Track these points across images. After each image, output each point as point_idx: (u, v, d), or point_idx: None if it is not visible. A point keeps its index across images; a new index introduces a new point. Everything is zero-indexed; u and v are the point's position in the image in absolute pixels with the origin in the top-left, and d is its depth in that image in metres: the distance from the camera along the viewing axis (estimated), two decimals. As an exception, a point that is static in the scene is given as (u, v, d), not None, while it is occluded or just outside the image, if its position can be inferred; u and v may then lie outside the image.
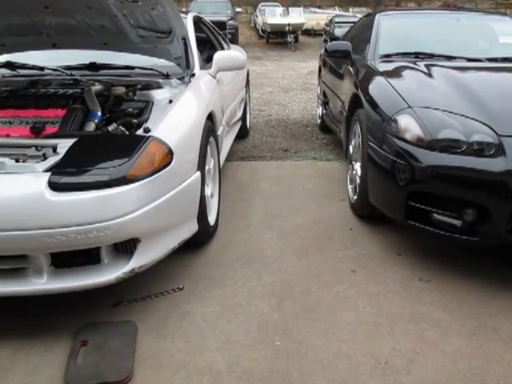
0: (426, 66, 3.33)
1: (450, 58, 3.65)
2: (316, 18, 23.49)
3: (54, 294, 2.06)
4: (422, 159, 2.51)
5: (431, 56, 3.69)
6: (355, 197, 3.25)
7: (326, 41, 19.19)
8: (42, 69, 3.15)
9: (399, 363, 1.93)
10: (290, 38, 18.94)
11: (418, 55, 3.70)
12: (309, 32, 22.54)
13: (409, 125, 2.64)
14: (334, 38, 14.69)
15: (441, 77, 3.11)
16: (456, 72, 3.21)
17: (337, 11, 27.00)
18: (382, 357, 1.96)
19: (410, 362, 1.94)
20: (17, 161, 2.04)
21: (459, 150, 2.46)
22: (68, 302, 2.26)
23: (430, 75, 3.15)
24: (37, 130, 2.36)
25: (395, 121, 2.72)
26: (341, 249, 2.83)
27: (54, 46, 3.14)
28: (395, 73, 3.32)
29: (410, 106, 2.74)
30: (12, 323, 2.16)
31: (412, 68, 3.35)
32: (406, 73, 3.31)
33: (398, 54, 3.74)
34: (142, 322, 2.16)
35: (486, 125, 2.52)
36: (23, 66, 3.16)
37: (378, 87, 3.20)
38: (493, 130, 2.49)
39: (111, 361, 1.90)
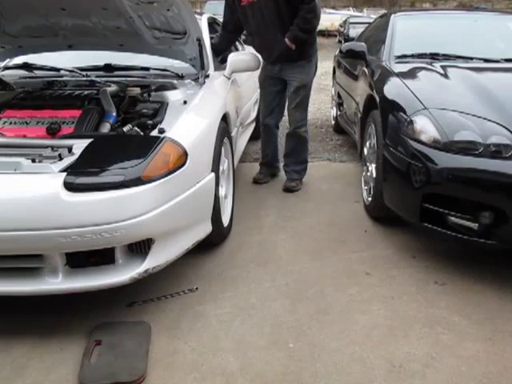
0: (442, 66, 3.30)
1: (466, 58, 3.61)
2: (330, 19, 23.40)
3: (69, 293, 2.07)
4: (437, 161, 2.49)
5: (447, 57, 3.65)
6: (370, 198, 3.23)
7: (340, 42, 19.13)
8: (58, 70, 3.18)
9: (414, 367, 1.91)
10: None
11: (433, 56, 3.66)
12: (323, 33, 22.48)
13: (425, 126, 2.62)
14: (348, 39, 14.62)
15: (457, 78, 3.08)
16: (473, 73, 3.18)
17: (351, 12, 26.90)
18: (397, 360, 1.95)
19: (425, 366, 1.92)
20: (33, 161, 2.06)
21: (476, 152, 2.43)
22: (83, 302, 2.27)
23: (446, 76, 3.12)
24: (53, 131, 2.38)
25: (411, 122, 2.70)
26: (355, 251, 2.82)
27: (70, 48, 3.17)
28: (411, 74, 3.30)
29: (425, 108, 2.71)
30: (28, 322, 2.18)
31: (428, 69, 3.33)
32: (421, 74, 3.29)
33: (413, 55, 3.71)
34: (156, 322, 2.17)
35: (504, 126, 2.49)
36: (40, 67, 3.19)
37: (393, 88, 3.18)
38: (510, 131, 2.46)
39: (125, 361, 1.91)
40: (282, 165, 3.98)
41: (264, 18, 3.46)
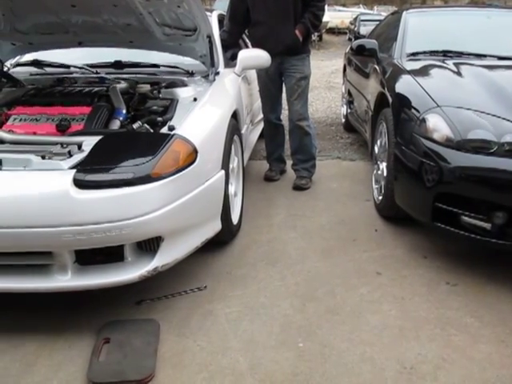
0: (455, 64, 3.26)
1: (479, 56, 3.57)
2: (340, 17, 23.30)
3: (78, 291, 2.07)
4: (450, 160, 2.45)
5: (460, 54, 3.61)
6: (380, 197, 3.20)
7: (350, 39, 19.03)
8: (68, 67, 3.18)
9: (425, 369, 1.88)
10: (314, 37, 18.82)
11: (446, 53, 3.62)
12: (333, 30, 22.39)
13: (437, 125, 2.59)
14: (359, 37, 14.51)
15: (470, 75, 3.04)
16: (486, 70, 3.14)
17: (361, 9, 26.78)
18: (408, 362, 1.92)
19: (437, 368, 1.89)
20: (43, 158, 2.06)
21: (490, 151, 2.39)
22: (91, 300, 2.26)
23: (459, 74, 3.09)
24: (63, 128, 2.38)
25: (423, 120, 2.66)
26: (365, 250, 2.79)
27: (81, 45, 3.16)
28: (423, 71, 3.26)
29: (438, 106, 2.68)
30: (37, 319, 2.18)
31: (440, 66, 3.29)
32: (434, 71, 3.25)
33: (425, 53, 3.68)
34: (165, 320, 2.16)
35: (518, 125, 2.45)
36: (50, 64, 3.19)
37: (405, 86, 3.14)
38: (525, 130, 2.42)
39: (133, 359, 1.90)
40: (290, 164, 3.96)
41: (278, 8, 3.47)
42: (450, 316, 2.20)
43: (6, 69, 3.15)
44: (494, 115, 2.53)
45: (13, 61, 3.37)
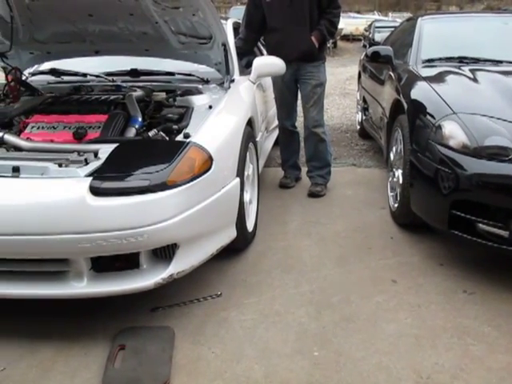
0: (471, 70, 3.24)
1: (496, 62, 3.54)
2: (355, 24, 23.30)
3: (94, 297, 2.08)
4: (467, 167, 2.43)
5: (476, 60, 3.59)
6: (396, 205, 3.18)
7: (364, 46, 19.00)
8: (85, 75, 3.22)
9: (442, 379, 1.86)
10: (328, 44, 18.80)
11: (462, 60, 3.60)
12: (348, 37, 22.38)
13: (454, 131, 2.57)
14: (373, 43, 14.48)
15: (487, 82, 3.01)
16: (502, 76, 3.11)
17: (376, 16, 26.73)
18: (425, 371, 1.90)
19: (454, 378, 1.86)
20: (60, 165, 2.07)
21: (507, 158, 2.37)
22: (107, 306, 2.28)
23: (475, 80, 3.06)
24: (79, 136, 2.41)
25: (439, 127, 2.64)
26: (381, 258, 2.77)
27: (97, 53, 3.21)
28: (438, 78, 3.24)
29: (454, 112, 2.66)
30: (53, 326, 2.19)
31: (456, 73, 3.26)
32: (449, 78, 3.23)
33: (441, 59, 3.66)
34: (180, 327, 2.16)
35: (536, 132, 2.43)
36: (67, 73, 3.24)
37: (420, 93, 3.13)
38: (543, 137, 2.39)
39: (148, 366, 1.90)
40: (305, 171, 3.95)
41: (294, 15, 3.48)
42: (468, 325, 2.17)
43: (24, 77, 3.19)
44: (510, 121, 2.51)
45: (31, 69, 3.43)
